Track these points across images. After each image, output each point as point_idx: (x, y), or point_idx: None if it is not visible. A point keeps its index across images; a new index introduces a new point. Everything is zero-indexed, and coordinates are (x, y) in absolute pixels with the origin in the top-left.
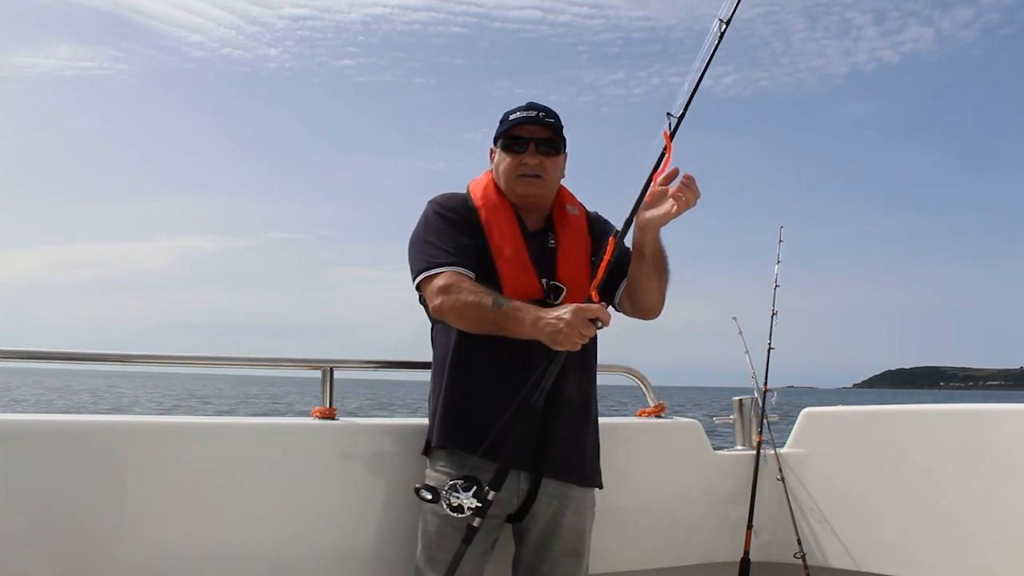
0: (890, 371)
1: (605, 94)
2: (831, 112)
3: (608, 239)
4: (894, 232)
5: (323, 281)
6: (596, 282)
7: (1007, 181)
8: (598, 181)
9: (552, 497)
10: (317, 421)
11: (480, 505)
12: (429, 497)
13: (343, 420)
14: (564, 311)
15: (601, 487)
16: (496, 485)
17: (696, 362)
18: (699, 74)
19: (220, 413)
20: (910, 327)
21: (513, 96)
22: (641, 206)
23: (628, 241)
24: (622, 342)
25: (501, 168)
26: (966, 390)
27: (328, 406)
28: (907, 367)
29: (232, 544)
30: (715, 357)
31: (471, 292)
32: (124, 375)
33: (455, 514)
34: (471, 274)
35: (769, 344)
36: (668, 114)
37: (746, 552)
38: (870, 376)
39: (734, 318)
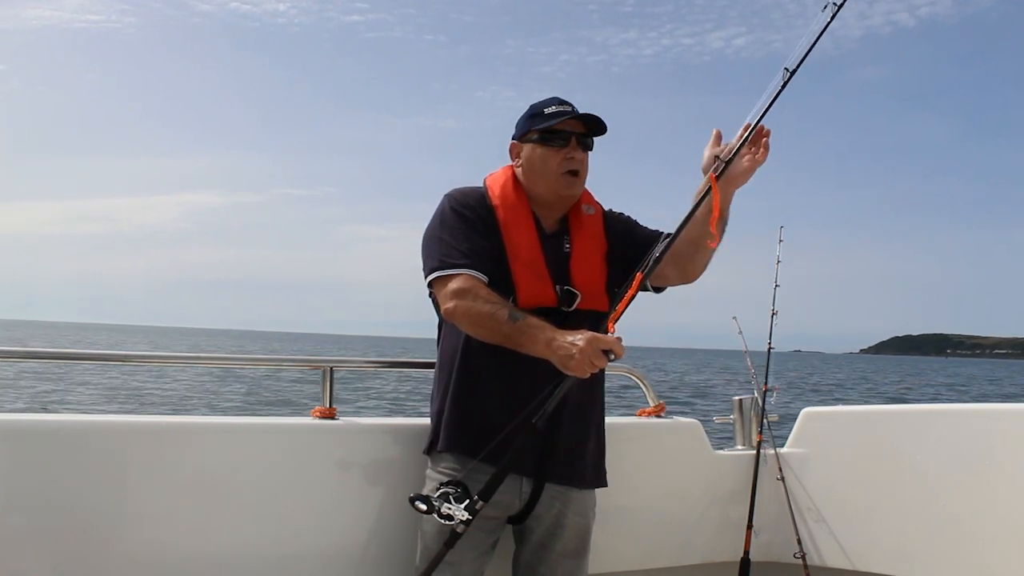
0: (897, 337)
1: (616, 54)
2: (844, 77)
3: (635, 271)
4: (904, 199)
5: (330, 238)
6: (615, 315)
7: (1019, 149)
8: (605, 142)
9: (554, 499)
10: (317, 421)
11: (470, 517)
12: (424, 508)
13: (343, 420)
14: (579, 338)
15: (595, 488)
16: (486, 496)
17: (686, 324)
18: (756, 120)
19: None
20: (918, 294)
21: (523, 55)
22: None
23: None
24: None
25: (537, 164)
26: (973, 358)
27: (328, 406)
28: (914, 334)
29: (232, 544)
30: (703, 319)
31: (487, 301)
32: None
33: (445, 522)
34: (485, 278)
35: (769, 344)
36: (716, 157)
37: (746, 552)
38: (877, 342)
39: (734, 318)
